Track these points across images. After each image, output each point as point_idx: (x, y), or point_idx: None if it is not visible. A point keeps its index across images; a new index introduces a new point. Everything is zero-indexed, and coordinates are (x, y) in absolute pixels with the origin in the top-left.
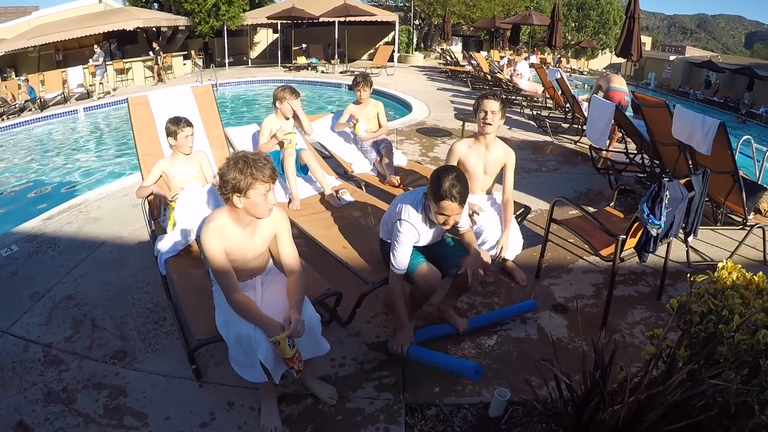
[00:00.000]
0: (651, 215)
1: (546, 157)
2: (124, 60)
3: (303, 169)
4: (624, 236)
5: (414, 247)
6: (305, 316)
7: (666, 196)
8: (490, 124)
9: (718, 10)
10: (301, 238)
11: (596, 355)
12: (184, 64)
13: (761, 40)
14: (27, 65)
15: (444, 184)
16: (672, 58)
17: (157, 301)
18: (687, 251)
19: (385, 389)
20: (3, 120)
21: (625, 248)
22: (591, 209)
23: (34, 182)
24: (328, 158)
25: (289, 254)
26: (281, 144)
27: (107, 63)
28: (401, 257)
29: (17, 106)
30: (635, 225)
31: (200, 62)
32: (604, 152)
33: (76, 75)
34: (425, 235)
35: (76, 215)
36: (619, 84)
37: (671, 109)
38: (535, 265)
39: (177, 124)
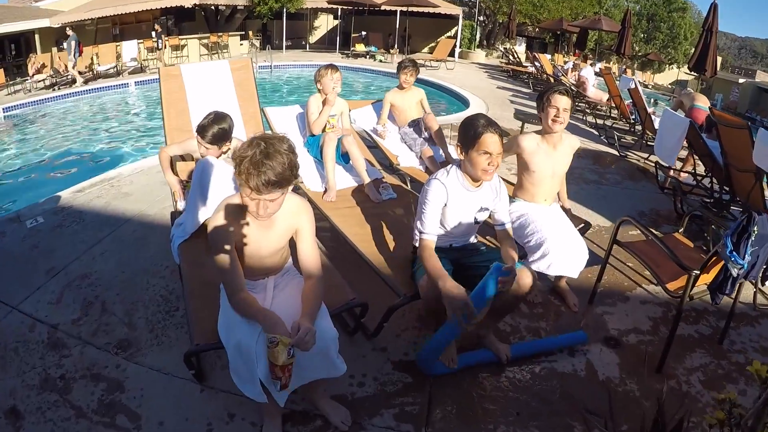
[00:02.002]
0: (734, 252)
1: (607, 169)
2: (180, 37)
3: (344, 157)
4: (698, 272)
5: (441, 252)
6: (319, 330)
7: (755, 231)
8: (561, 123)
9: None
10: (331, 233)
11: (659, 410)
12: (241, 44)
13: None
14: (84, 38)
15: (479, 121)
16: (741, 81)
17: (172, 288)
18: (755, 292)
19: (407, 419)
20: (54, 90)
21: (696, 284)
22: (653, 231)
23: (78, 153)
24: (374, 148)
25: (309, 254)
26: (324, 128)
27: (77, 48)
28: (428, 219)
29: (69, 77)
30: (713, 260)
31: (257, 43)
32: (672, 172)
33: (130, 49)
34: (456, 200)
35: (107, 189)
36: (704, 103)
37: (753, 131)
38: (589, 288)
39: (205, 133)
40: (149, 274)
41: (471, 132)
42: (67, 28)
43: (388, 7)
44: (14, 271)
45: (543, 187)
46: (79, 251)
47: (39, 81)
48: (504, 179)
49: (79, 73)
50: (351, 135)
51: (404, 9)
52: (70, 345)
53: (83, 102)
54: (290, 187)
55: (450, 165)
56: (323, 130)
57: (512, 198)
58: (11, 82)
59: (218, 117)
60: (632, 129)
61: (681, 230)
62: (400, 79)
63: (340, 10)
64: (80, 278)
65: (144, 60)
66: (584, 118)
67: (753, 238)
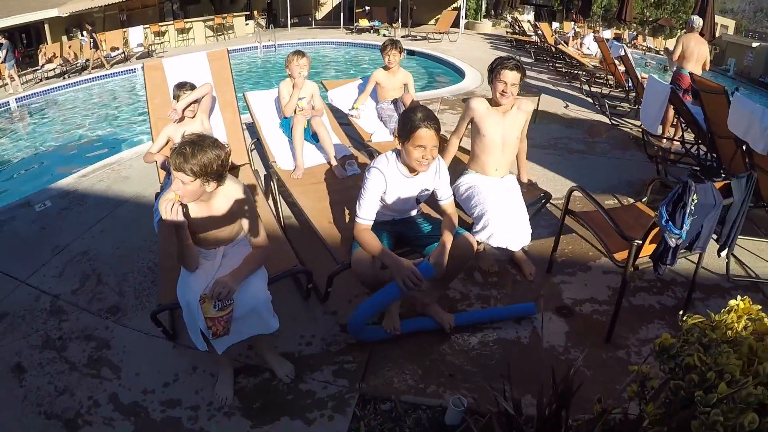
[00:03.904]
0: (670, 222)
1: (597, 139)
2: (185, 20)
3: (315, 137)
4: (640, 241)
5: (383, 226)
6: (252, 292)
7: (692, 201)
8: (508, 96)
9: None
10: (295, 207)
11: (554, 383)
12: (246, 24)
13: None
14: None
15: (416, 115)
16: (755, 44)
17: (158, 262)
18: (727, 262)
19: (344, 375)
20: (65, 78)
21: (641, 255)
22: (630, 200)
23: (86, 138)
24: (348, 126)
25: (253, 229)
26: (294, 110)
27: (12, 54)
28: (366, 205)
29: (79, 65)
30: (655, 230)
31: (263, 22)
32: (664, 140)
33: (136, 35)
34: (395, 186)
35: (108, 173)
36: (692, 67)
37: (730, 97)
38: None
39: (181, 88)
40: (140, 250)
41: (408, 125)
42: None
43: None
44: (24, 250)
45: (494, 156)
46: (81, 231)
47: (50, 70)
48: (462, 148)
49: (86, 61)
50: (321, 116)
51: None
52: (68, 311)
53: (92, 89)
54: (214, 182)
55: (390, 151)
56: (294, 112)
57: (465, 170)
58: (23, 72)
59: (177, 84)
60: (627, 96)
61: (644, 199)
62: (384, 60)
63: None
64: (81, 255)
65: (150, 45)
66: (581, 87)
67: (691, 207)
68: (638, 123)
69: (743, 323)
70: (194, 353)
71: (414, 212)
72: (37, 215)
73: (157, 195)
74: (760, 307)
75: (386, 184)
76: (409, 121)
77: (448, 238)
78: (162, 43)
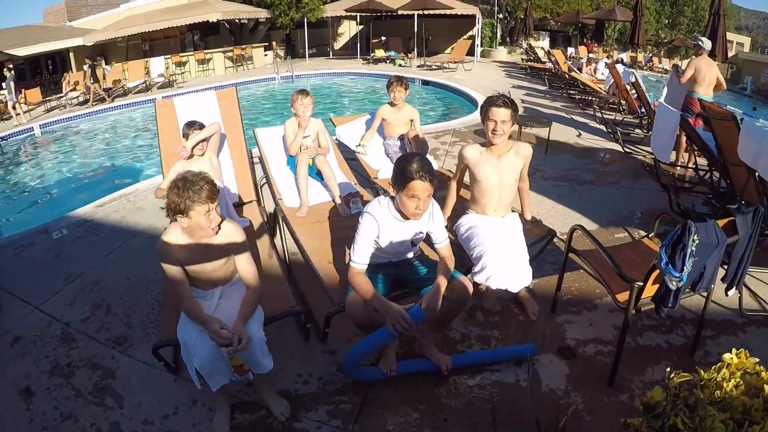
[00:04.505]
0: (670, 265)
1: (608, 168)
2: (205, 51)
3: (320, 175)
4: (641, 283)
5: (379, 268)
6: (249, 333)
7: (693, 242)
8: (500, 135)
9: None
10: (299, 245)
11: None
12: (266, 55)
13: None
14: (116, 54)
15: (411, 166)
16: None
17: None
18: (740, 296)
19: (338, 415)
20: (88, 107)
21: (643, 296)
22: (641, 233)
23: (105, 167)
24: (355, 161)
25: (245, 270)
26: (300, 148)
27: (17, 88)
28: (359, 249)
29: (99, 94)
30: (656, 272)
31: (281, 53)
32: (678, 168)
33: (157, 65)
34: (388, 231)
35: (123, 204)
36: (702, 93)
37: (739, 123)
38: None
39: (191, 127)
40: (149, 281)
41: (402, 175)
42: (5, 69)
43: (404, 12)
44: (39, 276)
45: (492, 197)
46: (95, 260)
47: (73, 98)
48: (465, 184)
49: (106, 90)
50: (325, 154)
51: (420, 12)
52: (78, 339)
53: (114, 118)
54: (217, 202)
55: (383, 196)
56: (299, 150)
57: (466, 210)
58: (47, 99)
59: (186, 122)
60: (641, 123)
61: (652, 234)
62: (389, 96)
63: (359, 16)
64: (92, 284)
65: (171, 75)
66: (594, 114)
67: (692, 249)
68: (651, 150)
69: (734, 382)
70: (194, 387)
71: (410, 254)
72: (54, 242)
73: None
74: (757, 360)
75: (379, 228)
76: (404, 171)
77: (442, 282)
78: (183, 73)
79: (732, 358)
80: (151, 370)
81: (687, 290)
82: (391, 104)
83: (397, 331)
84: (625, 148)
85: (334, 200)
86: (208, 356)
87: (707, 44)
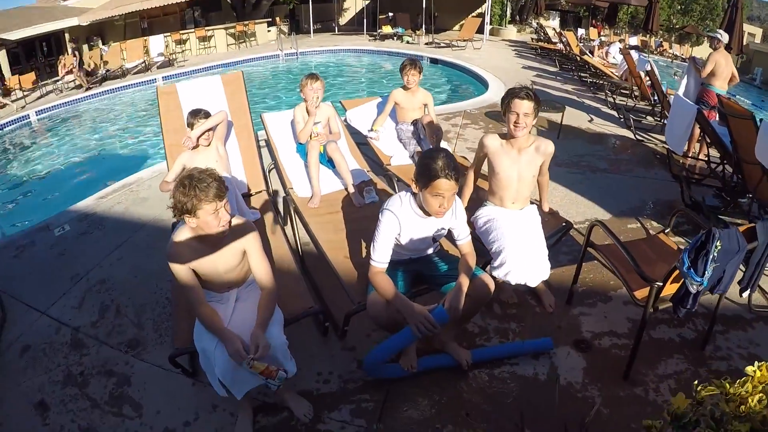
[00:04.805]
0: (691, 269)
1: (620, 156)
2: (206, 28)
3: (331, 162)
4: (660, 284)
5: (400, 264)
6: (269, 338)
7: (715, 248)
8: (522, 128)
9: None
10: (312, 236)
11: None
12: (269, 31)
13: None
14: (114, 33)
15: (437, 163)
16: None
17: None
18: (750, 294)
19: (361, 414)
20: (87, 90)
21: (662, 295)
22: (653, 224)
23: (106, 155)
24: (365, 145)
25: (259, 269)
26: (310, 135)
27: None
28: (380, 248)
29: (99, 75)
30: (676, 273)
31: (285, 29)
32: (689, 159)
33: (157, 43)
34: (409, 228)
35: (126, 195)
36: (719, 86)
37: (758, 122)
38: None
39: (195, 116)
40: (158, 278)
41: (427, 173)
42: None
43: None
44: (44, 278)
45: (510, 190)
46: (100, 258)
47: (69, 81)
48: (483, 174)
49: (88, 74)
50: (337, 140)
51: None
52: (89, 345)
53: (112, 101)
54: (226, 199)
55: (405, 192)
56: (310, 137)
57: (484, 201)
58: (43, 83)
59: (191, 111)
60: (653, 110)
61: (668, 230)
62: (403, 79)
63: None
64: (99, 283)
65: (171, 54)
66: (606, 98)
67: (714, 255)
68: (663, 138)
69: (757, 397)
70: (213, 391)
71: (431, 250)
72: (56, 239)
73: (174, 225)
74: None
75: (400, 226)
76: (428, 169)
77: (464, 281)
78: (183, 51)
79: (755, 371)
80: (168, 375)
81: (705, 292)
82: (405, 88)
83: (421, 333)
84: (636, 136)
85: (346, 189)
86: (229, 365)
87: (725, 37)
